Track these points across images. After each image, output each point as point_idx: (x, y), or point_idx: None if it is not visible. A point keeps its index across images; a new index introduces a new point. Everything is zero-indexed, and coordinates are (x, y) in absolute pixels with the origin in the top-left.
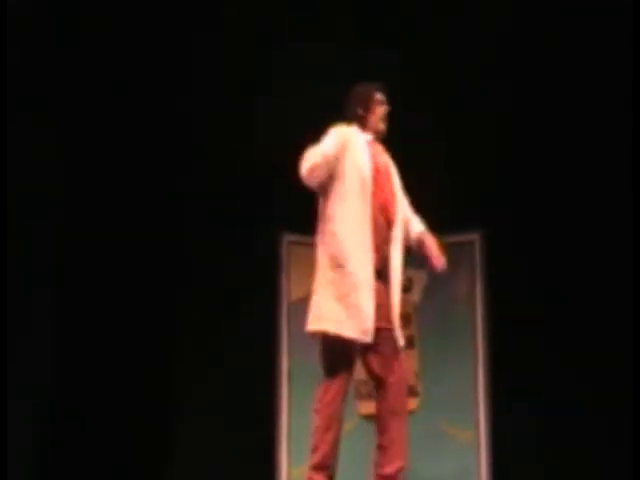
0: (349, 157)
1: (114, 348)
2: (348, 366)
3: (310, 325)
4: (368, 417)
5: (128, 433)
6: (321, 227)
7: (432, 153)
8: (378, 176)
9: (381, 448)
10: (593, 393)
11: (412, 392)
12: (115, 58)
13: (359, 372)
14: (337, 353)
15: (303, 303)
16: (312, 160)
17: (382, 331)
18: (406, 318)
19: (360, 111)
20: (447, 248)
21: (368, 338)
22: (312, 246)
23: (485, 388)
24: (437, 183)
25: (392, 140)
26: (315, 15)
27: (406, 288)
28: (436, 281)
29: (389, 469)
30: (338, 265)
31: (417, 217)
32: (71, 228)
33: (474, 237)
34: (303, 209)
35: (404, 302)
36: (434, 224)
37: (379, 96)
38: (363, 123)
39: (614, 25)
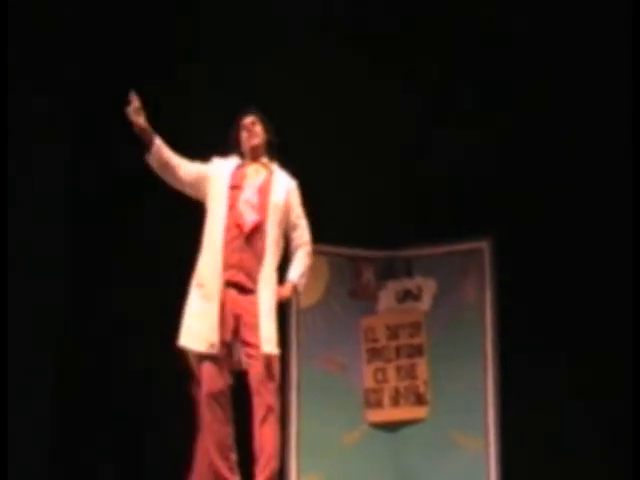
0: (212, 186)
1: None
2: None
3: None
4: (377, 425)
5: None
6: None
7: (442, 161)
8: (234, 195)
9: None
10: (603, 398)
11: (422, 400)
12: None
13: (368, 380)
14: None
15: (312, 310)
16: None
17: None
18: (415, 326)
19: (235, 143)
20: (456, 256)
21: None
22: (318, 254)
23: (494, 396)
24: (446, 191)
25: (402, 148)
26: None
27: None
28: (445, 289)
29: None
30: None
31: (301, 256)
32: None
33: (483, 245)
34: (310, 217)
35: (413, 310)
36: (443, 232)
37: (241, 122)
38: (239, 151)
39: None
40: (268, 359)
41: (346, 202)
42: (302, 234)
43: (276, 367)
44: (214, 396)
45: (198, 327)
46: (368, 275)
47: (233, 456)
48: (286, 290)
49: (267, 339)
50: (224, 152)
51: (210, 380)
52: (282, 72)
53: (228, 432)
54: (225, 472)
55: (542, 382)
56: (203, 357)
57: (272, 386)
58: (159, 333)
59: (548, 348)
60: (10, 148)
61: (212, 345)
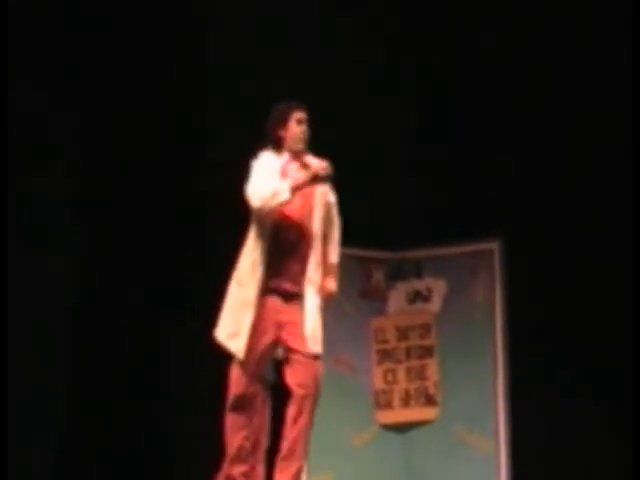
0: None
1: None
2: None
3: None
4: (387, 426)
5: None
6: None
7: (451, 162)
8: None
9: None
10: (614, 399)
11: (432, 401)
12: None
13: (378, 381)
14: None
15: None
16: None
17: None
18: (425, 327)
19: (276, 129)
20: (466, 256)
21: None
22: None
23: (504, 396)
24: (455, 191)
25: (411, 148)
26: None
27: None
28: (455, 290)
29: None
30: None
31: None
32: None
33: (492, 245)
34: None
35: (424, 311)
36: (452, 233)
37: (297, 115)
38: (279, 143)
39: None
40: (313, 360)
41: (355, 203)
42: (336, 232)
43: (318, 370)
44: (236, 398)
45: (231, 327)
46: (378, 276)
47: (257, 463)
48: (331, 284)
49: (310, 338)
50: (253, 151)
51: (235, 383)
52: (283, 72)
53: (246, 436)
54: (237, 475)
55: (552, 382)
56: (233, 358)
57: (310, 387)
58: (163, 334)
59: (558, 348)
60: (9, 151)
61: (238, 350)
